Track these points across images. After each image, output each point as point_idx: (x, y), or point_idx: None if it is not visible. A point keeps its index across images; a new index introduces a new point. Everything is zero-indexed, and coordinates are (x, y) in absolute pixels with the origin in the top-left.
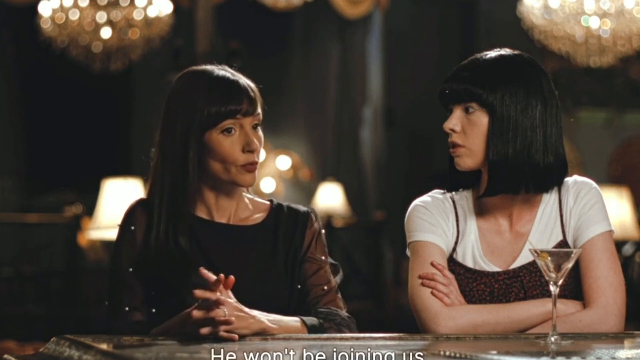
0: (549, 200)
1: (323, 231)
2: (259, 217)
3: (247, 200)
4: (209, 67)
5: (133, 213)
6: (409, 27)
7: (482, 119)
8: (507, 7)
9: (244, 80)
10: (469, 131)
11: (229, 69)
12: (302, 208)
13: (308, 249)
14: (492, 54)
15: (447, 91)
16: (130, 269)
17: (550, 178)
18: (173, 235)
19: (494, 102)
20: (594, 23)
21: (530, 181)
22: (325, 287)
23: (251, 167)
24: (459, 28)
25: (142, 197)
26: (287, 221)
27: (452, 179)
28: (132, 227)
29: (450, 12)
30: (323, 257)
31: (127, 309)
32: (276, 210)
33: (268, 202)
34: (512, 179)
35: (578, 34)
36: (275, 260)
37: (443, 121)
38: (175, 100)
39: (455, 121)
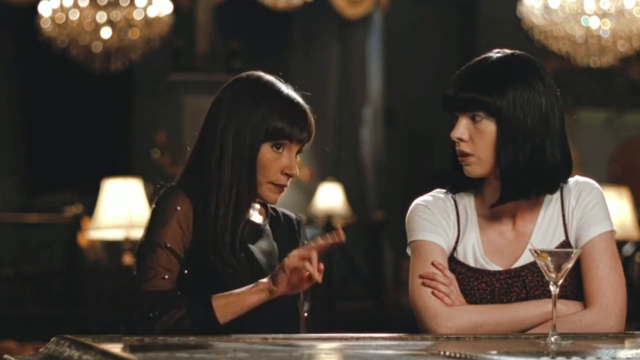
0: (551, 200)
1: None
2: (259, 218)
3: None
4: (274, 79)
5: (178, 195)
6: (409, 27)
7: (489, 127)
8: (507, 7)
9: (308, 110)
10: (477, 140)
11: (291, 87)
12: (293, 215)
13: None
14: (493, 57)
15: (451, 99)
16: (169, 245)
17: (558, 179)
18: (230, 233)
19: (502, 109)
20: (594, 23)
21: (541, 185)
22: (306, 306)
23: (282, 188)
24: (459, 28)
25: (176, 186)
26: (282, 226)
27: (454, 181)
28: (178, 208)
29: (450, 12)
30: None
31: (162, 274)
32: (272, 214)
33: (261, 206)
34: (525, 185)
35: (578, 34)
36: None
37: (443, 121)
38: (243, 104)
39: (462, 130)
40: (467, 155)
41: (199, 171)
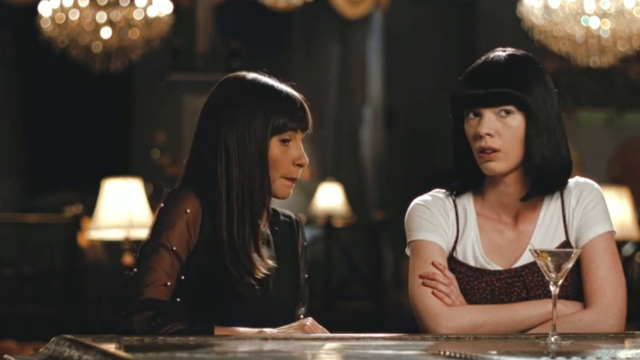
0: (551, 200)
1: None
2: (263, 221)
3: None
4: (260, 75)
5: (187, 197)
6: (409, 27)
7: (519, 122)
8: (507, 7)
9: (302, 98)
10: (505, 134)
11: (276, 79)
12: (292, 215)
13: (300, 259)
14: (503, 55)
15: (479, 95)
16: (174, 248)
17: (568, 177)
18: (250, 237)
19: (531, 103)
20: (594, 23)
21: (560, 181)
22: (303, 309)
23: (294, 181)
24: (459, 28)
25: (184, 187)
26: (282, 227)
27: (465, 181)
28: (187, 210)
29: (450, 12)
30: (306, 275)
31: (164, 280)
32: (274, 216)
33: None
34: (550, 180)
35: (578, 34)
36: (284, 263)
37: (443, 121)
38: (241, 103)
39: (491, 124)
40: (495, 150)
41: (204, 179)
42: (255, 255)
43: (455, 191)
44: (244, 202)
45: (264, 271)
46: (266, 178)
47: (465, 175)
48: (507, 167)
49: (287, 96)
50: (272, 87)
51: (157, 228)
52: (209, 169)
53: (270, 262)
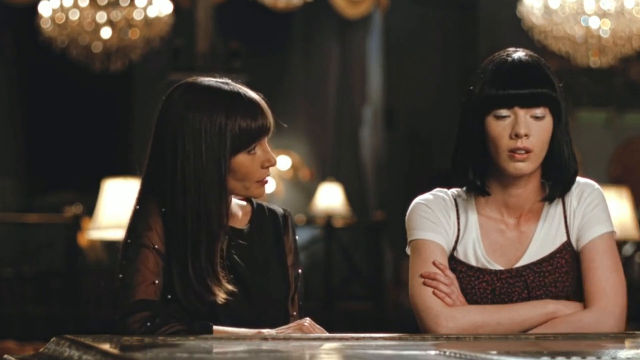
0: (552, 201)
1: (297, 237)
2: (245, 218)
3: (232, 202)
4: (213, 81)
5: (155, 208)
6: (409, 27)
7: (548, 123)
8: (507, 7)
9: (256, 96)
10: (537, 135)
11: (232, 82)
12: (280, 210)
13: (289, 255)
14: (528, 54)
15: (518, 95)
16: (156, 247)
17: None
18: (207, 264)
19: (561, 105)
20: (594, 23)
21: (573, 182)
22: (297, 306)
23: (266, 180)
24: (459, 28)
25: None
26: (266, 221)
27: (482, 182)
28: (163, 209)
29: (450, 12)
30: (300, 271)
31: (151, 279)
32: (258, 212)
33: (246, 203)
34: (572, 180)
35: (578, 34)
36: (269, 259)
37: (443, 121)
38: (194, 120)
39: (527, 125)
40: (528, 151)
41: (161, 198)
42: (212, 284)
43: (483, 192)
44: (200, 227)
45: (224, 296)
46: (223, 204)
47: (479, 175)
48: (534, 168)
49: (245, 105)
50: (229, 102)
51: (136, 230)
52: (166, 188)
53: (230, 287)
